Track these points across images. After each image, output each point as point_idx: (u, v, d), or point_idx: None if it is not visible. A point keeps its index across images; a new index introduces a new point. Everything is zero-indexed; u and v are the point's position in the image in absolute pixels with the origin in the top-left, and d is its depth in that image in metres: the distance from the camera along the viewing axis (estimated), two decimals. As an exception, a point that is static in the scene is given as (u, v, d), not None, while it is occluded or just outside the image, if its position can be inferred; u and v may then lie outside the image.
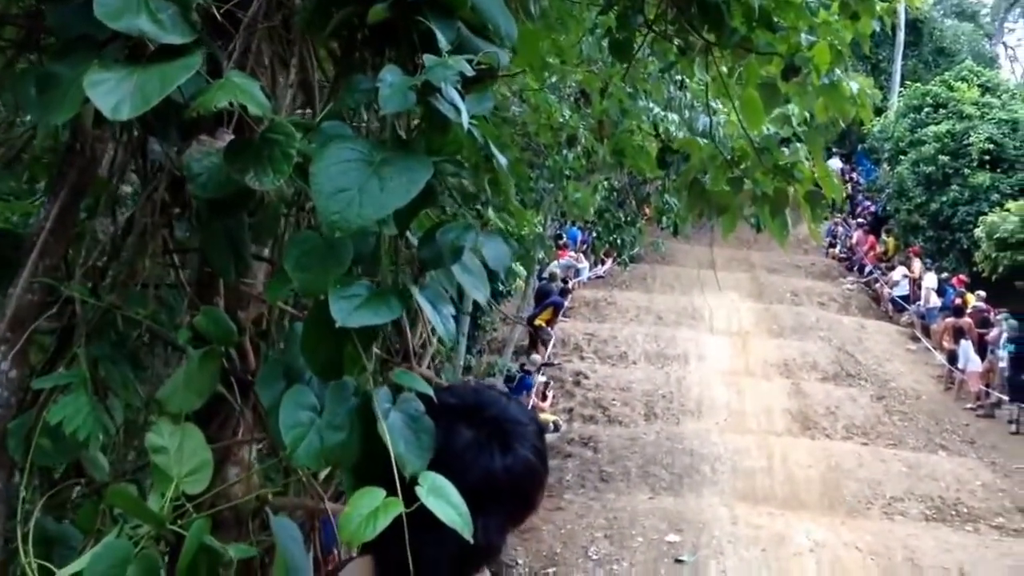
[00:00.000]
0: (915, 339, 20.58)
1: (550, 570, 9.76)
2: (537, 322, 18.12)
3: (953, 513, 11.89)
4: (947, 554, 10.17)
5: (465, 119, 1.49)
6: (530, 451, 1.62)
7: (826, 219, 30.20)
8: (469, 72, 1.45)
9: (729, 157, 3.46)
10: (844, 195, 32.43)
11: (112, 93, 1.36)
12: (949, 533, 10.99)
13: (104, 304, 1.76)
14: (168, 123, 1.66)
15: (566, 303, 20.36)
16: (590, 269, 24.28)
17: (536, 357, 16.89)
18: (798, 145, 3.66)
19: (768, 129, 3.98)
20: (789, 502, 11.95)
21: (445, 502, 1.47)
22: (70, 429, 1.65)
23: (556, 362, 17.56)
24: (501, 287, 18.98)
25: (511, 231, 13.55)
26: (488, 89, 1.65)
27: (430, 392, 1.58)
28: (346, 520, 1.45)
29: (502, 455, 1.59)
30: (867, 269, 25.84)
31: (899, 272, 23.49)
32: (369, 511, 1.46)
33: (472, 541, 1.49)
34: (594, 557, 10.04)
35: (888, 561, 9.92)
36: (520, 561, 9.93)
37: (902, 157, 25.43)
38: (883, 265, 25.49)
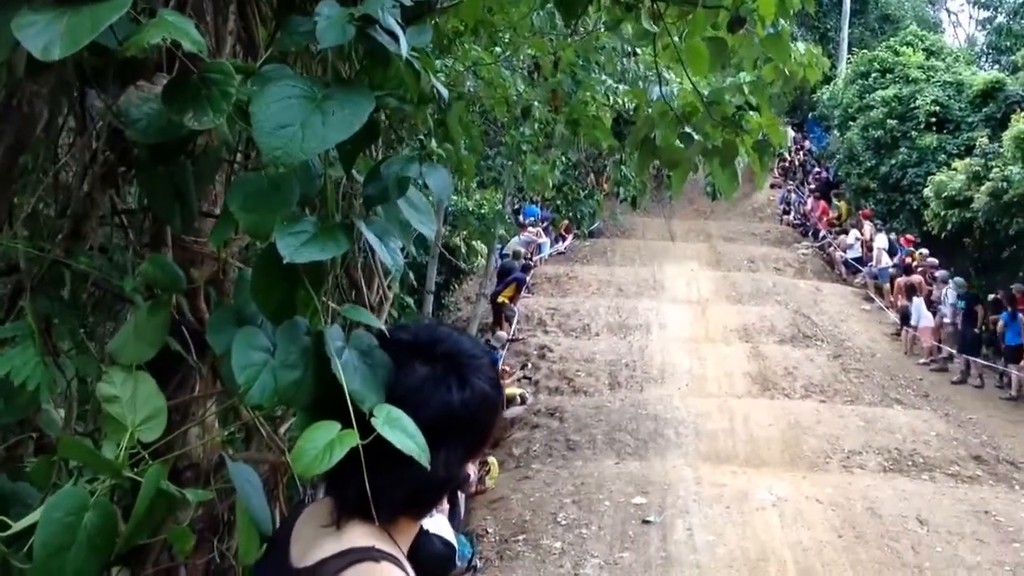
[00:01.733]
0: (869, 299, 20.93)
1: (520, 537, 9.83)
2: (500, 299, 18.15)
3: (910, 464, 12.12)
4: (905, 502, 10.38)
5: (404, 49, 1.49)
6: (486, 383, 1.65)
7: (776, 185, 30.59)
8: (407, 1, 1.46)
9: (679, 114, 3.48)
10: (797, 163, 32.86)
11: (42, 34, 1.35)
12: (906, 483, 11.20)
13: (48, 256, 1.75)
14: (105, 72, 1.65)
15: (528, 279, 20.41)
16: (551, 245, 24.35)
17: (501, 334, 16.93)
18: (751, 113, 3.69)
19: (715, 82, 4.01)
20: (751, 460, 12.11)
21: (401, 432, 1.50)
22: (19, 380, 1.64)
23: (520, 337, 17.62)
24: (464, 265, 18.99)
25: (471, 208, 13.57)
26: (427, 22, 1.66)
27: (380, 326, 1.60)
28: (300, 453, 1.47)
29: (460, 389, 1.61)
30: (821, 234, 26.20)
31: (852, 235, 23.88)
32: (324, 443, 1.48)
33: (429, 469, 1.51)
34: (563, 522, 10.12)
35: (848, 512, 10.10)
36: (490, 530, 9.99)
37: (851, 123, 25.79)
38: (836, 229, 25.86)
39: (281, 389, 1.54)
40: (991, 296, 17.07)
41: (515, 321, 18.17)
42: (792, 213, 29.17)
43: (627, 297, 20.41)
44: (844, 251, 23.80)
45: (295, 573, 1.58)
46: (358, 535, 1.56)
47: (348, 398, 1.47)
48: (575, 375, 16.03)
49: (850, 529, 9.69)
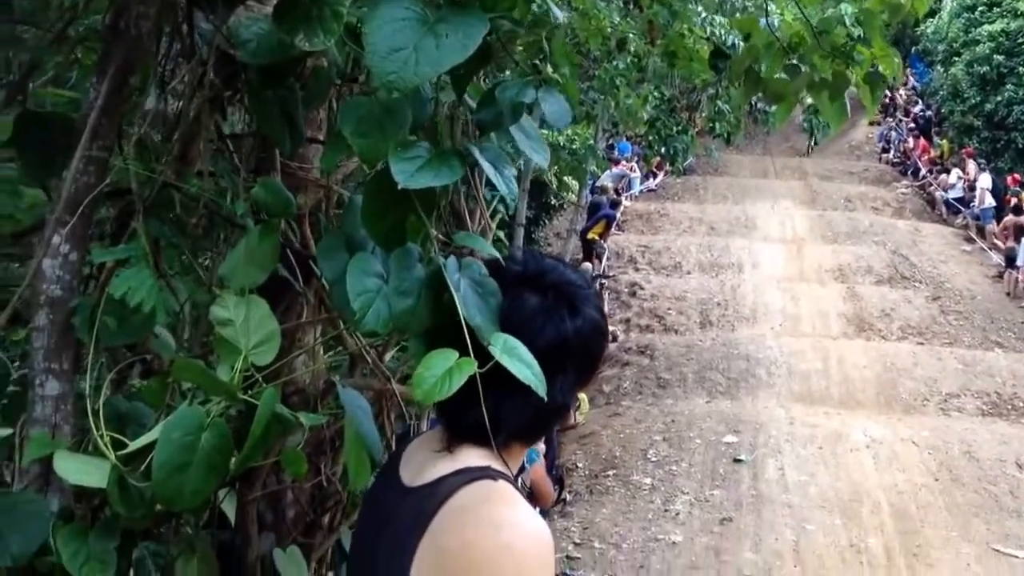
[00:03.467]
0: (970, 240, 20.28)
1: (610, 472, 9.89)
2: (590, 236, 18.05)
3: (1010, 408, 11.83)
4: (1004, 446, 10.16)
5: (517, -32, 1.46)
6: (596, 311, 1.66)
7: (875, 123, 29.67)
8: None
9: (785, 44, 3.36)
10: (899, 99, 31.81)
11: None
12: (1005, 427, 10.95)
13: (160, 178, 1.77)
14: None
15: (617, 215, 20.25)
16: (641, 182, 24.09)
17: (587, 265, 16.84)
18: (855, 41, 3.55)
19: (824, 11, 3.86)
20: (845, 402, 11.94)
21: (519, 361, 1.50)
22: (134, 301, 1.67)
23: (611, 275, 17.55)
24: (554, 201, 18.91)
25: (563, 144, 13.47)
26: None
27: (496, 254, 1.59)
28: (419, 380, 1.47)
29: (572, 317, 1.62)
30: (921, 173, 25.38)
31: (953, 175, 23.06)
32: (443, 371, 1.48)
33: (546, 399, 1.53)
34: (653, 459, 10.15)
35: (945, 455, 9.92)
36: (580, 465, 10.07)
37: (956, 58, 24.74)
38: (937, 168, 25.02)
39: (395, 316, 1.54)
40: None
41: (605, 258, 18.08)
42: (892, 151, 28.30)
43: (719, 235, 20.15)
44: (945, 191, 23.04)
45: (408, 492, 1.61)
46: (472, 457, 1.59)
47: (465, 327, 1.46)
48: (666, 313, 15.94)
49: (946, 472, 9.52)
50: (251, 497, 2.19)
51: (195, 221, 1.96)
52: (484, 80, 1.90)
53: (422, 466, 1.63)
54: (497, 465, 1.60)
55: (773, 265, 18.08)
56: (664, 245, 19.35)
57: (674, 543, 8.22)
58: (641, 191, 23.84)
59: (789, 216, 21.37)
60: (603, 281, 16.83)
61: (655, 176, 24.69)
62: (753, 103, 14.94)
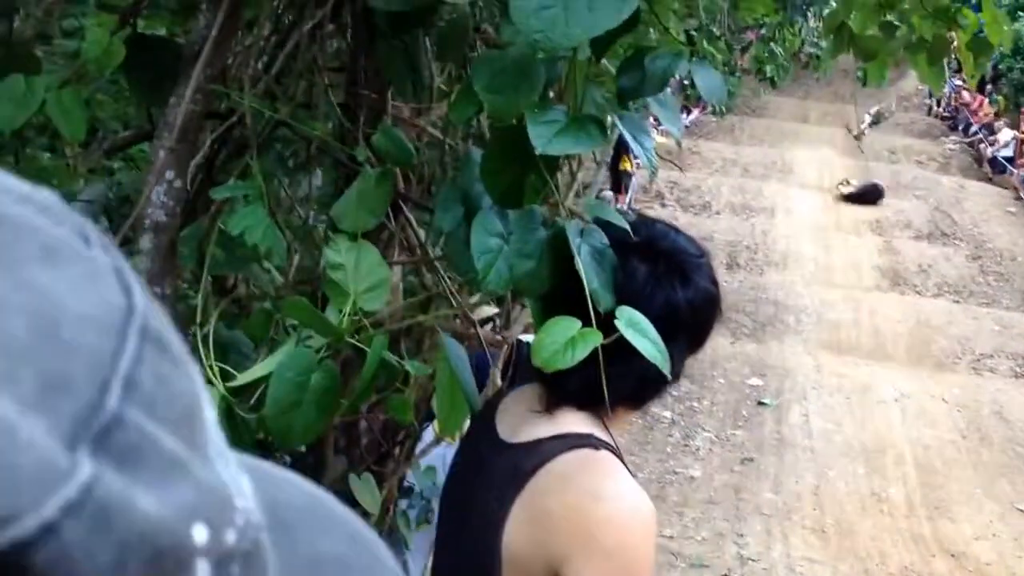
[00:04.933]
0: (1017, 200, 19.95)
1: (630, 405, 9.94)
2: (621, 166, 17.88)
3: (1045, 371, 11.82)
4: (1035, 408, 10.15)
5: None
6: (707, 281, 1.66)
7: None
8: None
9: (882, 1, 3.27)
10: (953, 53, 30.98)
11: None
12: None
13: (277, 116, 1.78)
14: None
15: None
16: (676, 117, 23.71)
17: (607, 194, 16.63)
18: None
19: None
20: (875, 354, 11.92)
21: (642, 336, 1.51)
22: (251, 240, 1.70)
23: (636, 208, 17.40)
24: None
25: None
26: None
27: (624, 223, 1.60)
28: (540, 346, 1.49)
29: (683, 287, 1.62)
30: (972, 129, 24.83)
31: (1007, 133, 22.55)
32: (566, 340, 1.49)
33: (669, 376, 1.54)
34: (674, 394, 10.18)
35: (975, 414, 9.92)
36: (600, 394, 10.13)
37: (1020, 12, 24.02)
38: (988, 125, 24.48)
39: (516, 278, 1.56)
40: None
41: (632, 190, 17.83)
42: (942, 105, 27.69)
43: (752, 178, 19.92)
44: (996, 149, 22.55)
45: (506, 447, 1.63)
46: (573, 421, 1.60)
47: (588, 296, 1.48)
48: (691, 253, 15.84)
49: (975, 431, 9.53)
50: (331, 425, 2.24)
51: (299, 161, 1.99)
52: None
53: (520, 424, 1.65)
54: (599, 432, 1.61)
55: (808, 212, 17.90)
56: (694, 183, 19.14)
57: (692, 478, 8.30)
58: (675, 126, 23.50)
59: (828, 164, 21.07)
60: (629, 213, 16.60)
61: (689, 112, 24.38)
62: (801, 46, 14.70)
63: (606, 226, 1.63)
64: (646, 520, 1.54)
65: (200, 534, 0.28)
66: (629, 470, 1.60)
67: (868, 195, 17.36)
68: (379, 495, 2.36)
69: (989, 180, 21.78)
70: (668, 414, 9.70)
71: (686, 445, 9.03)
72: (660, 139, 20.75)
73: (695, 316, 1.65)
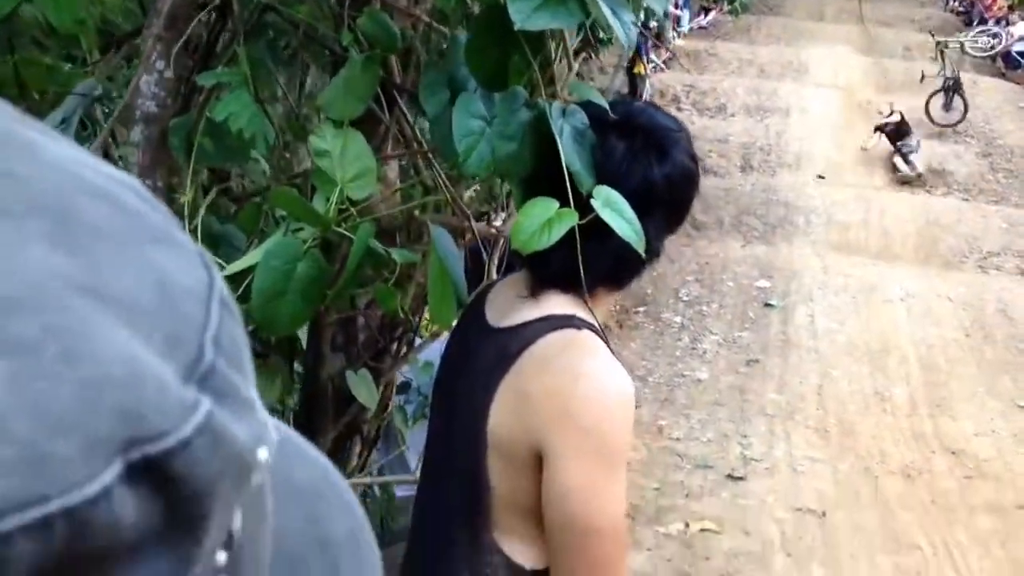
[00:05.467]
0: (1031, 96, 19.68)
1: (640, 309, 10.01)
2: (636, 70, 17.65)
3: (1050, 270, 11.81)
4: (1041, 306, 10.16)
5: None
6: (685, 156, 1.66)
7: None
8: None
9: None
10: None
11: None
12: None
13: (263, 1, 1.77)
14: None
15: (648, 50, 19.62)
16: (691, 19, 23.35)
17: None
18: None
19: None
20: (883, 254, 11.92)
21: (619, 216, 1.53)
22: (236, 126, 1.71)
23: (652, 111, 17.16)
24: (602, 35, 18.39)
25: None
26: None
27: (603, 103, 1.60)
28: (519, 228, 1.51)
29: (660, 163, 1.62)
30: (988, 23, 24.37)
31: (1021, 27, 22.11)
32: (543, 221, 1.52)
33: (644, 255, 1.56)
34: (684, 299, 10.26)
35: (979, 312, 9.95)
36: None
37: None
38: (1004, 20, 23.99)
39: (498, 160, 1.57)
40: None
41: (647, 93, 17.69)
42: None
43: (768, 78, 19.64)
44: (1011, 43, 22.14)
45: (493, 332, 1.66)
46: (557, 303, 1.63)
47: (567, 177, 1.49)
48: (706, 155, 15.73)
49: (979, 329, 9.57)
50: (327, 321, 2.27)
51: (287, 47, 1.98)
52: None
53: (507, 309, 1.68)
54: (582, 313, 1.64)
55: (822, 112, 17.69)
56: (710, 86, 18.90)
57: (699, 380, 8.40)
58: (691, 28, 23.15)
59: (843, 62, 20.73)
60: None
61: (707, 13, 23.93)
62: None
63: (586, 106, 1.63)
64: (624, 398, 1.57)
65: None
66: (611, 349, 1.63)
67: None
68: (376, 391, 2.41)
69: (1003, 76, 21.46)
70: (678, 319, 9.77)
71: (694, 348, 9.11)
72: (680, 42, 20.56)
73: (672, 192, 1.65)
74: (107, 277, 0.34)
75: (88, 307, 0.32)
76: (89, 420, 0.30)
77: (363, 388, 2.36)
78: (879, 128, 14.73)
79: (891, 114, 14.99)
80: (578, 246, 1.51)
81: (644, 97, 17.51)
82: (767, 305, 10.05)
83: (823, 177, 14.11)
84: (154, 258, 0.36)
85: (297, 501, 0.49)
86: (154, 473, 0.32)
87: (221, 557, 0.36)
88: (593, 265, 1.56)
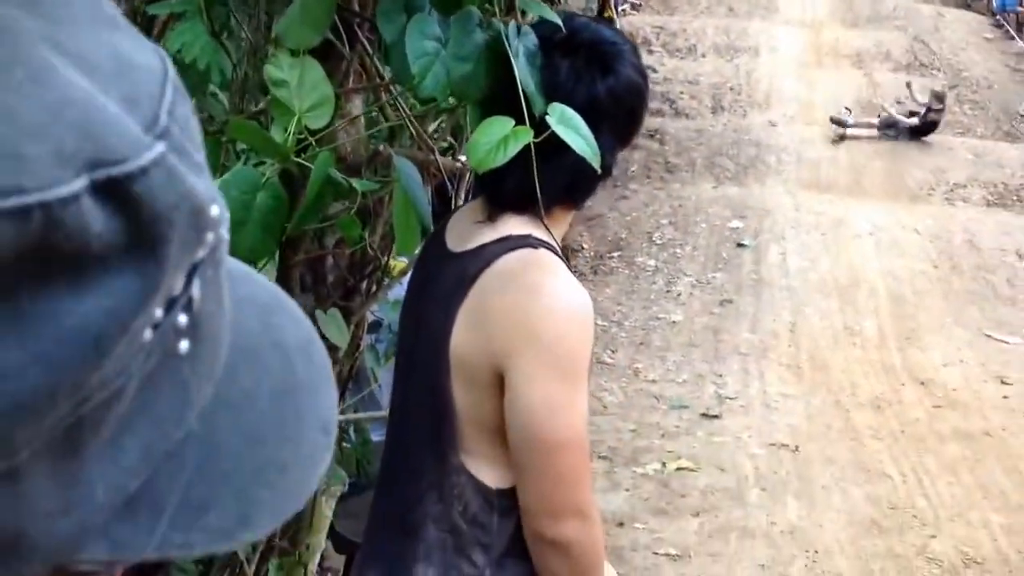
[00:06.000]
0: (997, 26, 19.73)
1: (615, 254, 10.05)
2: (606, 14, 17.52)
3: (1015, 199, 11.86)
4: (1006, 236, 10.28)
5: None
6: (629, 68, 1.66)
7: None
8: None
9: None
10: None
11: None
12: (1010, 217, 11.02)
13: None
14: None
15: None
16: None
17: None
18: None
19: None
20: (852, 190, 11.99)
21: (575, 132, 1.54)
22: (189, 57, 1.69)
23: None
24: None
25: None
26: None
27: (557, 20, 1.60)
28: (474, 146, 1.52)
29: (603, 78, 1.62)
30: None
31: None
32: (499, 138, 1.52)
33: (602, 172, 1.57)
34: (658, 242, 10.29)
35: (946, 243, 10.06)
36: (585, 246, 10.21)
37: None
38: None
39: (454, 82, 1.57)
40: None
41: (618, 38, 17.58)
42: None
43: (737, 17, 19.55)
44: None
45: (454, 257, 1.68)
46: (514, 225, 1.65)
47: (528, 96, 1.49)
48: (678, 97, 15.71)
49: (946, 260, 9.68)
50: (294, 261, 2.27)
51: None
52: None
53: (466, 234, 1.69)
54: (539, 233, 1.65)
55: (791, 49, 17.65)
56: (680, 26, 18.80)
57: (674, 322, 8.46)
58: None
59: (812, -1, 20.70)
60: None
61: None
62: None
63: (537, 26, 1.63)
64: (583, 313, 1.60)
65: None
66: (569, 266, 1.65)
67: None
68: (347, 330, 2.41)
69: (967, 6, 21.50)
70: (652, 262, 9.81)
71: (668, 291, 9.16)
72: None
73: (618, 106, 1.66)
74: (69, 38, 0.38)
75: (53, 53, 0.37)
76: (56, 131, 0.35)
77: (334, 328, 2.36)
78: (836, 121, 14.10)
79: (847, 112, 14.60)
80: (534, 164, 1.52)
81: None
82: (740, 245, 10.10)
83: (774, 124, 14.05)
84: (114, 37, 0.40)
85: (252, 308, 0.51)
86: (117, 192, 0.36)
87: (182, 319, 0.40)
88: (548, 183, 1.57)
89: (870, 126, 13.55)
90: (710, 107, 15.45)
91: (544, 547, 1.62)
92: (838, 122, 13.63)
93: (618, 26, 16.79)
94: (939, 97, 13.00)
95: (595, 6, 17.62)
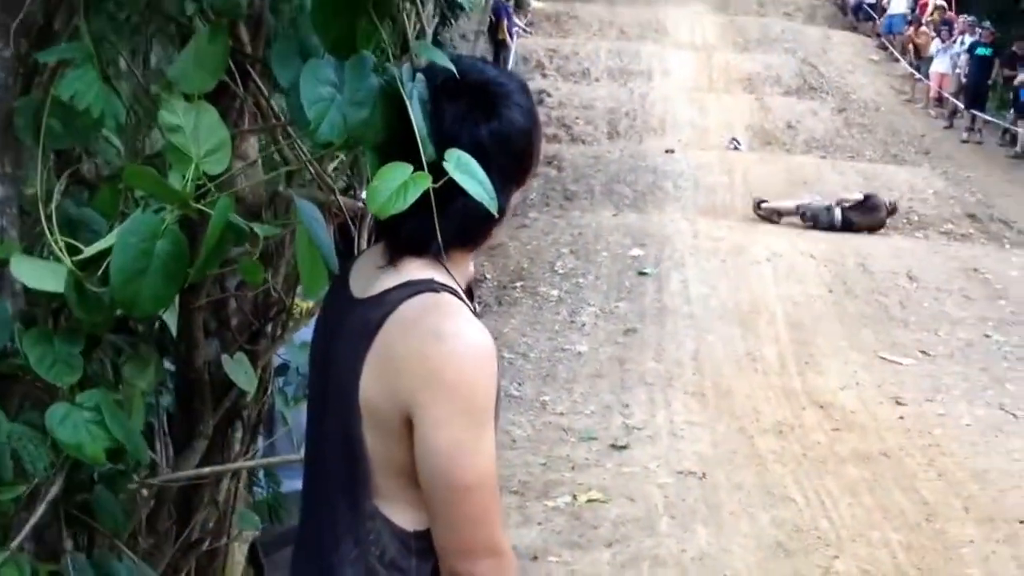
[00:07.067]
0: (882, 48, 20.51)
1: (518, 284, 10.06)
2: (500, 36, 17.64)
3: (904, 221, 12.36)
4: (897, 259, 10.63)
5: None
6: (515, 111, 1.64)
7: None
8: None
9: None
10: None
11: None
12: (900, 240, 11.41)
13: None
14: None
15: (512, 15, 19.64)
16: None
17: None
18: None
19: None
20: (749, 215, 12.27)
21: (471, 177, 1.52)
22: (83, 105, 1.61)
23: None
24: (460, 1, 18.32)
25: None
26: None
27: (451, 68, 1.57)
28: (375, 193, 1.49)
29: (487, 121, 1.60)
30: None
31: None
32: (398, 185, 1.50)
33: (497, 215, 1.55)
34: (560, 271, 10.34)
35: (840, 267, 10.35)
36: (488, 276, 10.20)
37: None
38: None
39: (350, 127, 1.53)
40: (1009, 49, 16.70)
41: (511, 61, 17.64)
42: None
43: (629, 40, 19.98)
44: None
45: (358, 303, 1.65)
46: (415, 269, 1.63)
47: (420, 141, 1.47)
48: (574, 123, 15.93)
49: (841, 284, 9.95)
50: (196, 305, 2.19)
51: (129, 20, 1.88)
52: None
53: (369, 280, 1.67)
54: (440, 276, 1.64)
55: (683, 73, 18.10)
56: (572, 49, 19.10)
57: (579, 353, 8.48)
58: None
59: (700, 21, 21.24)
60: None
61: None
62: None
63: (426, 69, 1.61)
64: (486, 354, 1.59)
65: None
66: (472, 310, 1.63)
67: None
68: (254, 374, 2.35)
69: (854, 29, 22.32)
70: (556, 292, 9.85)
71: (573, 321, 9.20)
72: (537, 4, 20.49)
73: (504, 149, 1.63)
74: None
75: None
76: None
77: (240, 372, 2.29)
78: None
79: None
80: (434, 208, 1.50)
81: (508, 64, 17.53)
82: (641, 273, 10.20)
83: (672, 151, 14.34)
84: None
85: None
86: None
87: None
88: (444, 227, 1.55)
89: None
90: (606, 132, 15.70)
91: None
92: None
93: (511, 49, 16.93)
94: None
95: (485, 29, 17.74)
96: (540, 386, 7.77)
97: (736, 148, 14.68)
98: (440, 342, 1.56)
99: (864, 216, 11.86)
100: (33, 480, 1.72)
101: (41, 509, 1.75)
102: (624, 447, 6.60)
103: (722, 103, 16.46)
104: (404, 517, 1.65)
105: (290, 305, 2.51)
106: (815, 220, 11.84)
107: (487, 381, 1.59)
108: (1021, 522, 5.58)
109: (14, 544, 1.69)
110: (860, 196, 11.91)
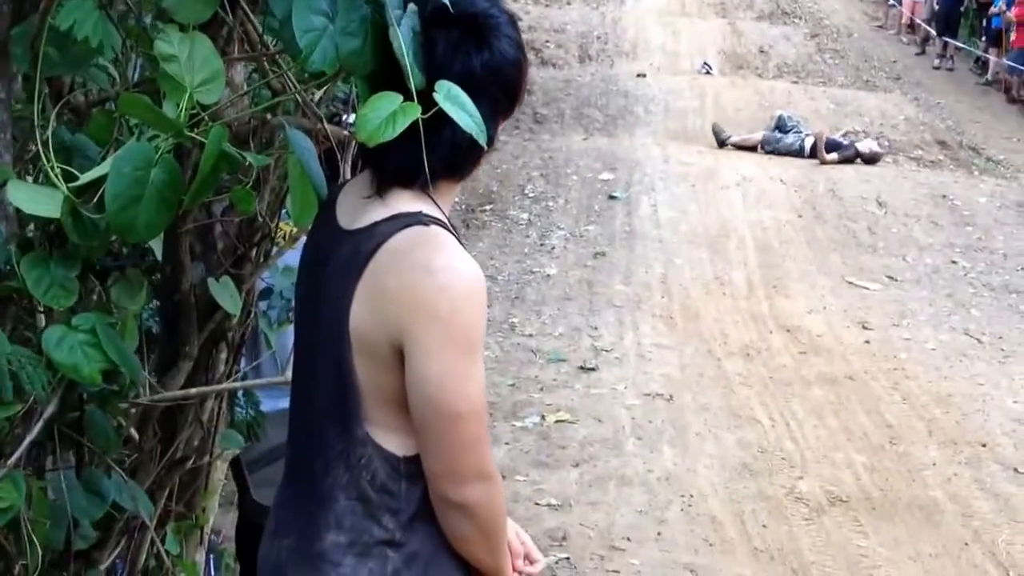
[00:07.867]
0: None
1: (487, 207, 10.05)
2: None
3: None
4: (866, 184, 10.70)
5: None
6: (505, 42, 1.67)
7: None
8: None
9: None
10: None
11: None
12: (869, 168, 11.44)
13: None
14: None
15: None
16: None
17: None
18: None
19: None
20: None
21: (461, 109, 1.55)
22: (81, 33, 1.62)
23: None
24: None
25: None
26: None
27: None
28: (364, 121, 1.51)
29: (478, 51, 1.63)
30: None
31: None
32: (388, 113, 1.52)
33: (486, 147, 1.59)
34: (530, 195, 10.34)
35: (810, 192, 10.43)
36: (457, 199, 10.12)
37: None
38: None
39: (342, 57, 1.55)
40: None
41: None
42: None
43: (602, -37, 19.69)
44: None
45: (347, 234, 1.68)
46: (403, 201, 1.66)
47: (407, 72, 1.49)
48: (544, 46, 15.76)
49: (810, 209, 10.04)
50: (182, 229, 2.22)
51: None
52: None
53: (356, 210, 1.69)
54: (428, 208, 1.67)
55: (655, -3, 17.89)
56: (546, -29, 18.82)
57: (548, 276, 8.53)
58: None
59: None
60: None
61: None
62: None
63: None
64: (476, 286, 1.64)
65: None
66: (460, 242, 1.67)
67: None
68: (239, 297, 2.38)
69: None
70: (525, 216, 9.85)
71: (542, 244, 9.23)
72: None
73: (496, 81, 1.66)
74: None
75: None
76: None
77: (226, 295, 2.32)
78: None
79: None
80: (422, 140, 1.53)
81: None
82: (611, 197, 10.23)
83: (643, 75, 14.25)
84: None
85: None
86: None
87: None
88: (432, 158, 1.58)
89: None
90: (577, 56, 15.56)
91: (450, 510, 1.68)
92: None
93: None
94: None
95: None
96: (509, 308, 7.82)
97: (708, 72, 14.65)
98: (431, 275, 1.60)
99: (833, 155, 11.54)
100: (29, 400, 1.76)
101: (38, 427, 1.79)
102: (592, 369, 6.70)
103: (694, 27, 16.35)
104: (394, 443, 1.70)
105: (274, 230, 2.53)
106: (779, 152, 11.77)
107: (477, 312, 1.64)
108: (983, 445, 5.76)
109: (10, 461, 1.74)
110: (845, 142, 11.77)
